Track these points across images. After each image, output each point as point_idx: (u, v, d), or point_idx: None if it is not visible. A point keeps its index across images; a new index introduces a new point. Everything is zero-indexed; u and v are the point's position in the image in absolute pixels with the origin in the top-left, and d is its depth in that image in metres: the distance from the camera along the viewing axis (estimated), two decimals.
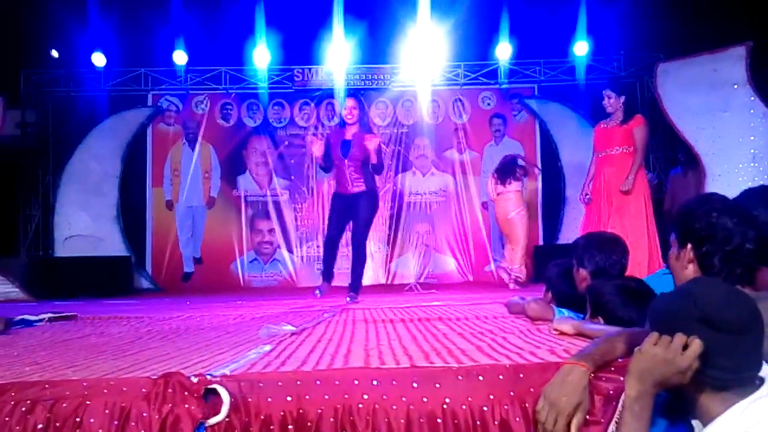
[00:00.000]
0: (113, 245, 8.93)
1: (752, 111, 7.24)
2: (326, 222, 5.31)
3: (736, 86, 7.33)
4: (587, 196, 5.26)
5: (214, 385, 1.55)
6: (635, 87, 8.74)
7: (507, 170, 7.28)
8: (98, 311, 4.43)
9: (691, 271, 1.72)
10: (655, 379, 1.37)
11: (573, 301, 2.79)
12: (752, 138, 7.22)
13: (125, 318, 3.80)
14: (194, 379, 1.57)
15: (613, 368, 1.64)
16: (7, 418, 1.51)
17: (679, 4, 7.39)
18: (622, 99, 5.03)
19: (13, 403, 1.52)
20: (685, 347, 1.34)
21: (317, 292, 4.95)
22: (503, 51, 8.91)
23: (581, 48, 8.81)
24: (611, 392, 1.58)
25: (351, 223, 4.99)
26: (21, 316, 3.54)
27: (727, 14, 7.00)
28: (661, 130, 8.58)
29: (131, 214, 9.17)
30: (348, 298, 4.82)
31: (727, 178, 7.05)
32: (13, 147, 8.80)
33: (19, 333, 3.11)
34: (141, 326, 3.27)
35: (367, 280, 8.80)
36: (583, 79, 8.90)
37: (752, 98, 7.23)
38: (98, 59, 8.78)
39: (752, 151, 7.23)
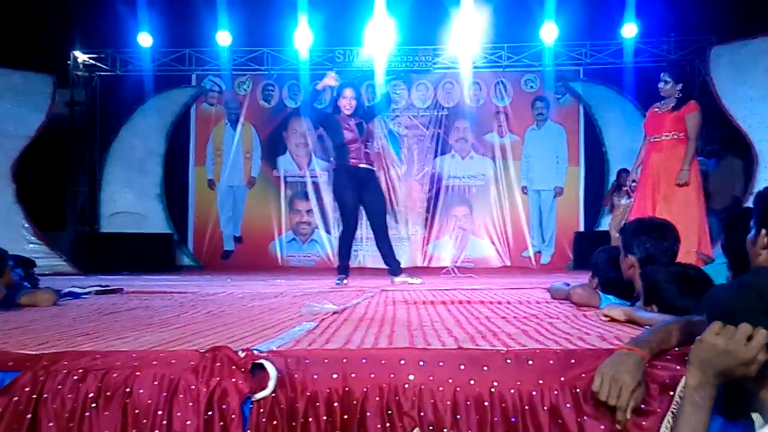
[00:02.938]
0: (156, 222, 9.12)
1: None
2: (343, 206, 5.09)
3: None
4: (633, 183, 5.10)
5: (261, 360, 1.55)
6: (685, 70, 8.43)
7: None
8: (142, 286, 4.52)
9: (764, 257, 1.63)
10: (717, 369, 1.31)
11: (619, 288, 2.72)
12: None
13: (169, 293, 3.87)
14: (241, 354, 1.57)
15: (669, 357, 1.58)
16: (59, 386, 1.54)
17: None
18: (680, 86, 4.83)
19: (65, 371, 1.55)
20: (750, 339, 1.28)
21: (340, 281, 4.87)
22: (548, 33, 8.69)
23: (630, 30, 8.53)
24: (667, 381, 1.52)
25: (363, 206, 4.98)
26: (69, 289, 3.64)
27: None
28: (711, 116, 8.27)
29: (174, 192, 9.34)
30: (396, 281, 4.79)
31: None
32: (62, 125, 9.04)
33: (67, 304, 3.19)
34: (185, 301, 3.32)
35: (403, 262, 8.80)
36: (631, 62, 8.63)
37: None
38: (144, 39, 8.90)
39: None
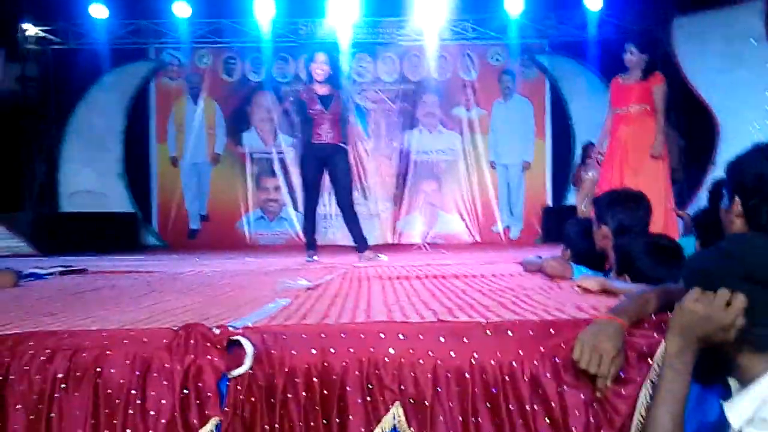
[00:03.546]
0: (118, 201, 8.89)
1: None
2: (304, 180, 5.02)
3: (753, 40, 7.15)
4: (600, 155, 5.16)
5: (237, 337, 1.51)
6: (650, 41, 8.50)
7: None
8: (107, 266, 4.40)
9: (738, 225, 1.65)
10: (697, 335, 1.33)
11: (591, 259, 2.74)
12: None
13: (135, 272, 3.77)
14: (216, 331, 1.53)
15: (647, 325, 1.59)
16: (26, 367, 1.48)
17: None
18: (645, 57, 4.86)
19: (32, 352, 1.49)
20: (728, 304, 1.29)
21: (310, 258, 4.81)
22: (513, 5, 8.65)
23: (594, 2, 8.55)
24: (645, 349, 1.54)
25: (330, 183, 4.92)
26: (31, 270, 3.51)
27: None
28: (674, 86, 8.40)
29: (136, 170, 9.11)
30: (363, 258, 4.75)
31: (740, 136, 6.94)
32: (14, 101, 8.68)
33: (30, 286, 3.08)
34: (153, 280, 3.24)
35: (373, 239, 8.73)
36: (596, 34, 8.67)
37: None
38: (98, 11, 8.55)
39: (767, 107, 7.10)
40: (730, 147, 6.37)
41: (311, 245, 4.95)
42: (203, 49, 9.19)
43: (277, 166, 9.23)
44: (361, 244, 4.94)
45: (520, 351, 1.59)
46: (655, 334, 1.55)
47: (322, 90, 4.77)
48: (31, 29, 8.78)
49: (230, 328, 1.55)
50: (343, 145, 4.92)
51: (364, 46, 9.10)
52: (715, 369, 1.40)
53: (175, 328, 1.54)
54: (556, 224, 7.40)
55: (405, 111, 9.25)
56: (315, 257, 4.85)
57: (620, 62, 4.98)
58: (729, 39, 7.26)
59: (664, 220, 4.67)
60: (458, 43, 9.12)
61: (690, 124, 7.86)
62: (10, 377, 1.47)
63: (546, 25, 8.95)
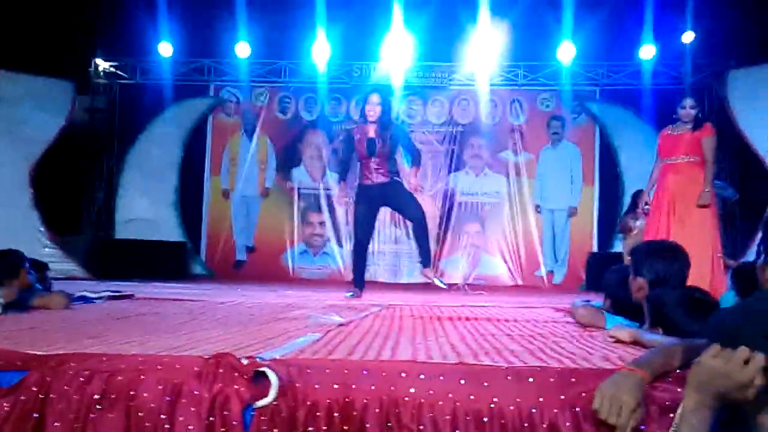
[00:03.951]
0: (170, 230, 9.20)
1: None
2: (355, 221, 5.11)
3: None
4: (646, 205, 5.10)
5: (264, 368, 1.57)
6: (703, 94, 8.41)
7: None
8: (154, 292, 4.57)
9: None
10: (714, 392, 1.31)
11: (630, 309, 2.70)
12: None
13: (179, 300, 3.91)
14: (245, 361, 1.59)
15: (670, 378, 1.57)
16: (66, 387, 1.56)
17: (750, 8, 7.05)
18: (697, 109, 4.84)
19: (72, 373, 1.57)
20: (747, 362, 1.28)
21: (351, 294, 4.83)
22: (565, 52, 8.70)
23: (648, 51, 8.52)
24: (668, 403, 1.52)
25: (399, 214, 4.99)
26: (81, 293, 3.69)
27: None
28: (728, 140, 8.23)
29: (189, 200, 9.43)
30: (423, 275, 4.85)
31: None
32: (82, 131, 9.18)
33: (79, 308, 3.23)
34: (195, 308, 3.35)
35: (415, 278, 8.83)
36: (649, 84, 8.62)
37: None
38: (165, 49, 9.05)
39: None
40: None
41: (359, 284, 5.00)
42: (260, 88, 9.55)
43: (323, 202, 9.40)
44: (425, 259, 5.05)
45: (540, 398, 1.59)
46: (678, 389, 1.53)
47: (372, 130, 4.89)
48: (101, 64, 9.34)
49: (258, 360, 1.61)
50: (395, 178, 4.97)
51: (415, 89, 9.29)
52: (737, 428, 1.37)
53: (206, 357, 1.61)
54: (601, 271, 7.24)
55: (452, 153, 9.33)
56: (358, 294, 4.87)
57: (672, 112, 4.95)
58: None
59: (712, 270, 4.56)
60: (508, 89, 9.20)
61: (744, 177, 7.66)
62: (51, 396, 1.54)
63: (597, 73, 8.95)
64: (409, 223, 5.29)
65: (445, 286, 4.85)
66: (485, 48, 8.43)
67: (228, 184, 9.53)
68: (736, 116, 7.54)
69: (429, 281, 4.99)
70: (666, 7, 8.05)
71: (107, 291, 4.00)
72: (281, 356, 1.69)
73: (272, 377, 1.55)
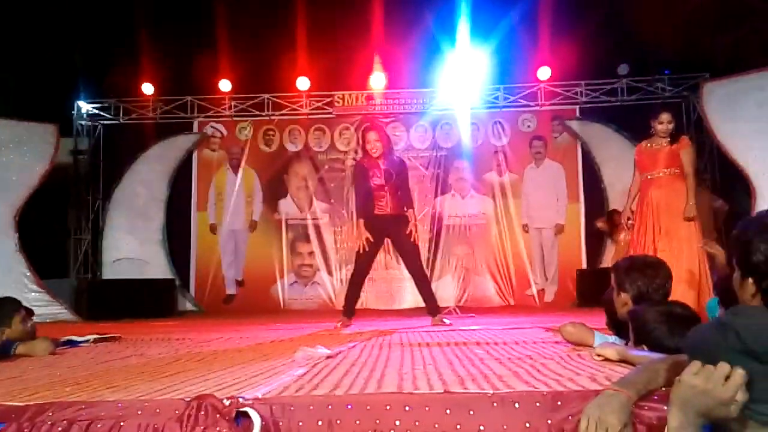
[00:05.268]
0: (159, 268, 9.14)
1: None
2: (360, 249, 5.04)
3: None
4: (629, 220, 5.13)
5: (246, 408, 1.55)
6: (680, 107, 8.55)
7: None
8: (142, 332, 4.52)
9: (757, 302, 1.61)
10: (697, 409, 1.31)
11: (624, 326, 2.70)
12: None
13: (167, 339, 3.86)
14: (226, 402, 1.57)
15: (656, 397, 1.57)
16: None
17: (723, 23, 7.22)
18: (673, 122, 4.91)
19: (50, 422, 1.55)
20: (728, 378, 1.28)
21: (338, 324, 4.84)
22: (544, 73, 8.85)
23: (623, 69, 8.69)
24: (654, 422, 1.52)
25: (396, 251, 4.98)
26: (67, 337, 3.64)
27: None
28: (708, 151, 8.35)
29: (176, 237, 9.39)
30: (434, 322, 4.85)
31: None
32: (66, 173, 9.16)
33: (64, 353, 3.19)
34: (181, 348, 3.31)
35: (406, 303, 8.80)
36: (627, 100, 8.76)
37: None
38: (148, 88, 9.11)
39: None
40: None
41: (349, 312, 4.99)
42: (244, 122, 9.60)
43: (311, 232, 9.40)
44: (432, 308, 5.03)
45: (527, 423, 1.58)
46: (664, 407, 1.53)
47: (381, 163, 4.92)
48: (84, 106, 9.36)
49: (240, 400, 1.59)
50: (404, 212, 4.98)
51: (398, 115, 9.38)
52: None
53: (188, 399, 1.59)
54: (591, 287, 7.27)
55: (437, 177, 9.38)
56: (347, 324, 4.88)
57: (649, 127, 5.01)
58: (761, 103, 7.23)
59: (699, 282, 4.57)
60: (489, 111, 9.30)
61: (727, 188, 7.75)
62: None
63: (576, 92, 9.08)
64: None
65: (450, 324, 4.85)
66: (465, 72, 8.54)
67: (215, 218, 9.51)
68: (714, 128, 7.65)
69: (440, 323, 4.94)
70: (639, 25, 8.20)
71: (94, 334, 3.95)
72: (264, 394, 1.67)
73: (255, 417, 1.54)
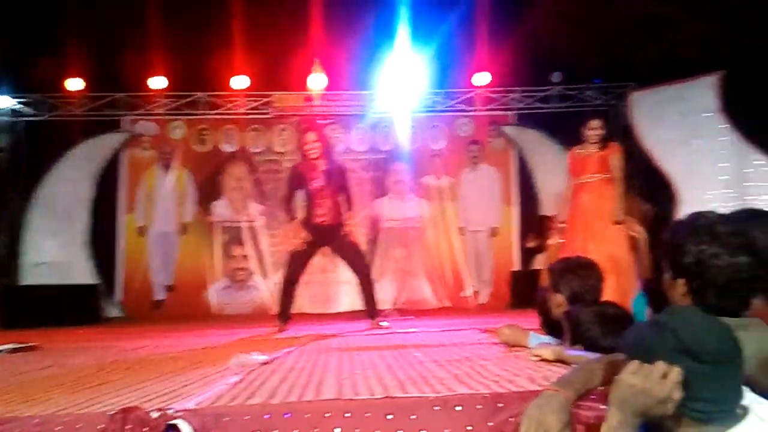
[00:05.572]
0: (82, 272, 8.69)
1: (723, 138, 7.39)
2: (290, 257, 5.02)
3: (706, 114, 7.49)
4: (562, 224, 5.27)
5: (176, 421, 1.47)
6: (609, 115, 8.84)
7: None
8: (63, 341, 4.27)
9: (688, 302, 1.66)
10: (636, 408, 1.32)
11: (558, 327, 2.74)
12: (723, 165, 7.37)
13: (91, 348, 3.66)
14: (155, 414, 1.48)
15: (594, 396, 1.59)
16: None
17: (651, 34, 7.54)
18: (602, 129, 5.08)
19: None
20: (665, 377, 1.30)
21: (274, 329, 4.79)
22: (481, 79, 9.00)
23: (557, 76, 8.95)
24: (593, 421, 1.53)
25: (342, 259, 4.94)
26: None
27: (698, 43, 7.16)
28: (635, 157, 8.69)
29: (102, 240, 8.95)
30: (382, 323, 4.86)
31: (697, 204, 7.15)
32: None
33: None
34: (106, 356, 3.14)
35: (342, 306, 8.73)
36: (559, 107, 9.03)
37: (723, 126, 7.39)
38: (73, 84, 8.65)
39: (722, 177, 7.37)
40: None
41: (284, 317, 4.90)
42: (177, 121, 9.29)
43: (246, 234, 9.19)
44: (371, 311, 5.01)
45: (468, 426, 1.57)
46: (601, 406, 1.55)
47: (320, 166, 4.82)
48: (6, 102, 8.81)
49: (170, 411, 1.50)
50: (343, 222, 4.91)
51: (337, 117, 9.31)
52: None
53: (112, 412, 1.49)
54: (525, 288, 7.43)
55: (375, 179, 9.37)
56: (283, 328, 4.80)
57: (580, 133, 5.17)
58: (685, 112, 7.61)
59: (626, 285, 4.73)
60: (427, 115, 9.37)
61: (652, 193, 8.09)
62: None
63: (512, 98, 9.27)
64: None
65: (388, 325, 4.84)
66: (405, 76, 8.57)
67: (144, 220, 9.14)
68: (641, 135, 7.98)
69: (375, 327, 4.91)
70: (571, 36, 8.45)
71: (10, 344, 3.69)
72: (196, 405, 1.59)
73: (186, 430, 1.45)
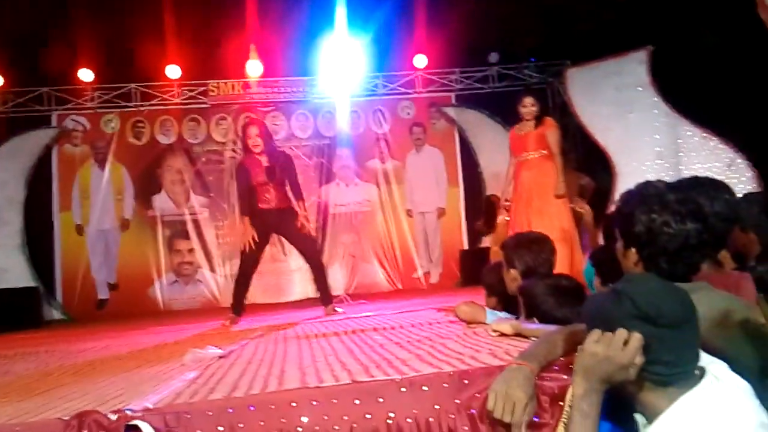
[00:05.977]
0: (19, 275, 8.29)
1: (656, 111, 7.67)
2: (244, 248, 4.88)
3: (639, 88, 7.75)
4: (507, 202, 5.36)
5: (136, 421, 1.41)
6: (546, 92, 9.05)
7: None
8: (4, 347, 4.06)
9: (639, 270, 1.70)
10: (600, 376, 1.36)
11: (514, 303, 2.79)
12: (657, 137, 7.65)
13: (33, 353, 3.50)
14: (112, 417, 1.41)
15: (556, 367, 1.62)
16: None
17: (584, 12, 7.70)
18: (537, 106, 5.17)
19: None
20: (626, 343, 1.33)
21: (226, 322, 4.72)
22: (420, 61, 9.02)
23: (494, 57, 9.06)
24: (557, 392, 1.56)
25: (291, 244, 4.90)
26: None
27: (628, 20, 7.37)
28: (573, 133, 8.92)
29: (37, 241, 8.56)
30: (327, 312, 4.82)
31: (634, 176, 7.40)
32: None
33: None
34: (51, 361, 3.00)
35: (295, 295, 8.66)
36: (498, 87, 9.15)
37: (655, 99, 7.66)
38: None
39: (657, 149, 7.66)
40: (626, 186, 6.79)
41: (238, 310, 4.84)
42: (109, 114, 8.93)
43: (190, 227, 8.96)
44: (325, 298, 5.01)
45: (436, 405, 1.57)
46: (564, 377, 1.58)
47: (264, 160, 4.77)
48: None
49: (128, 412, 1.44)
50: (290, 204, 4.87)
51: (277, 104, 9.16)
52: (625, 407, 1.43)
53: (66, 418, 1.42)
54: (473, 266, 7.55)
55: (321, 166, 9.29)
56: (236, 320, 4.74)
57: (518, 112, 5.24)
58: (619, 87, 7.84)
59: (572, 254, 4.87)
60: (369, 99, 9.33)
61: (591, 166, 8.34)
62: None
63: (451, 79, 9.33)
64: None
65: (343, 311, 4.86)
66: (344, 60, 8.50)
67: (81, 219, 8.78)
68: (577, 111, 8.19)
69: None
70: (508, 16, 8.54)
71: None
72: (154, 404, 1.53)
73: (147, 430, 1.40)
